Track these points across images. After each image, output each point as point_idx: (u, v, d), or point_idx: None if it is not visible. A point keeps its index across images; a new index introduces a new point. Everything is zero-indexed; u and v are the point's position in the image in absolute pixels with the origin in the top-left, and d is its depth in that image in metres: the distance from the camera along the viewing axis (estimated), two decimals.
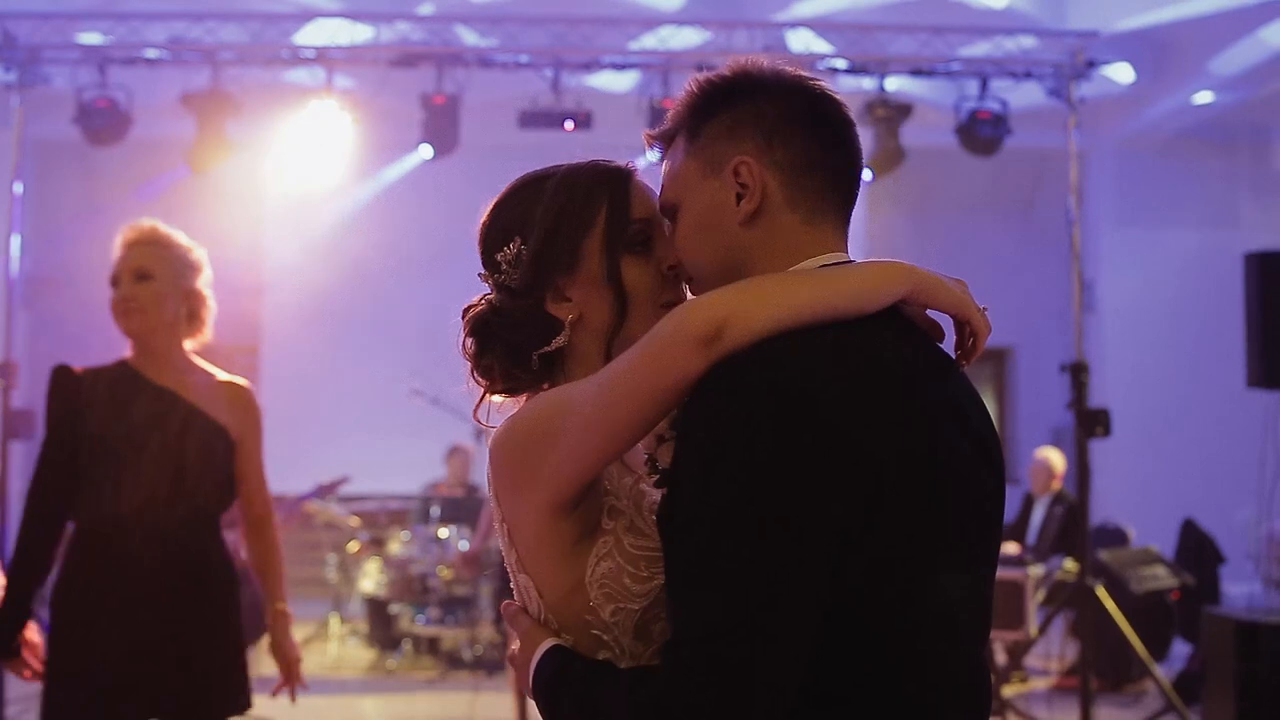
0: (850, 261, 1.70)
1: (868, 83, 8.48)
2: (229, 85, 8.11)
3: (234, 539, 7.14)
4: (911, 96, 9.36)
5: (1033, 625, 6.82)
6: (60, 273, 11.71)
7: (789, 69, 1.74)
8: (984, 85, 8.29)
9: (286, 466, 11.02)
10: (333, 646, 9.47)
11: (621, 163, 1.84)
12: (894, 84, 8.75)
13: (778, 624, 1.45)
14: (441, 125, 8.22)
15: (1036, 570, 7.23)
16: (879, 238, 12.96)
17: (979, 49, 9.08)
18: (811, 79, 1.73)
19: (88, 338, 11.49)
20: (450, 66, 8.22)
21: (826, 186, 1.70)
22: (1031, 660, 8.44)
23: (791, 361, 1.51)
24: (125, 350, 3.60)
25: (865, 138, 8.85)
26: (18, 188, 7.15)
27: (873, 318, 1.60)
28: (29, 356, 10.50)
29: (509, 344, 1.81)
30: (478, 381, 1.86)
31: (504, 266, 1.81)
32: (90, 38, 8.49)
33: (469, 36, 9.61)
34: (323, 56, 8.06)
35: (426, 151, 8.44)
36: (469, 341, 1.85)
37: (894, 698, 1.54)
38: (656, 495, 1.71)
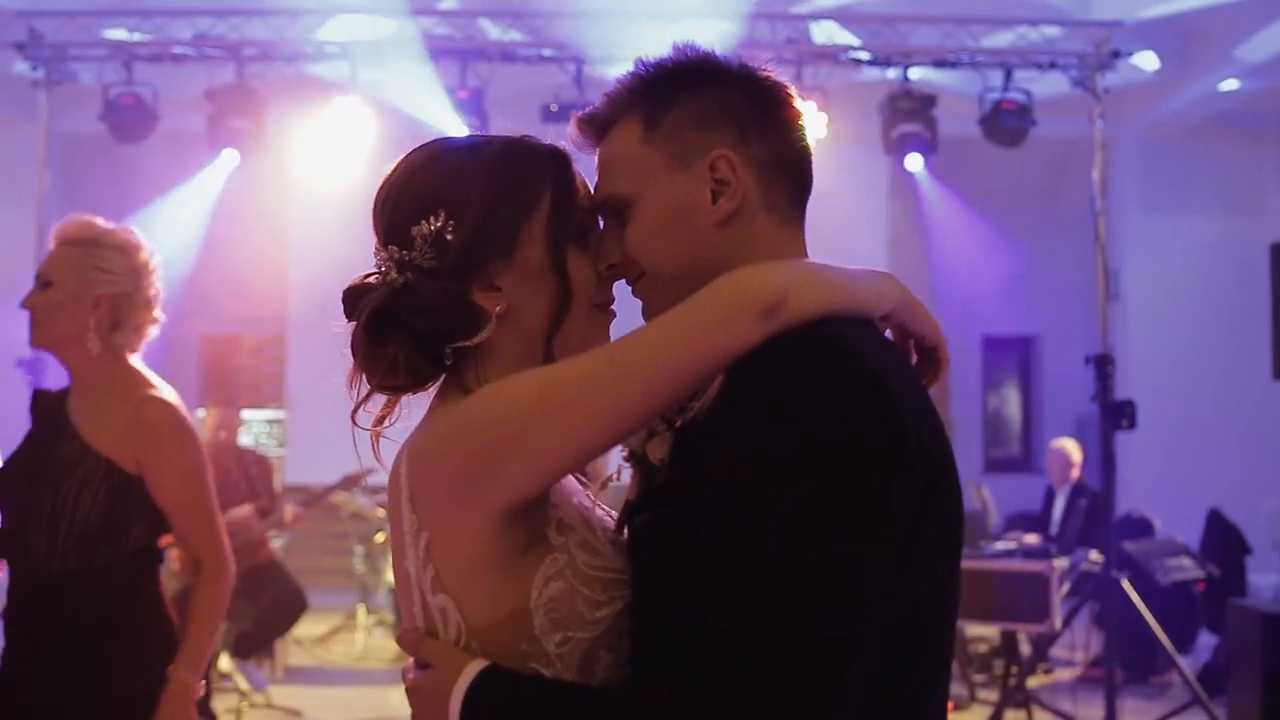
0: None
1: (891, 74, 8.47)
2: (253, 80, 8.15)
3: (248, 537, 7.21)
4: (935, 86, 9.33)
5: (1057, 617, 6.81)
6: None
7: (740, 58, 1.60)
8: (1008, 76, 8.26)
9: (313, 458, 11.13)
10: (360, 637, 9.52)
11: (558, 144, 1.63)
12: (917, 74, 8.72)
13: (862, 634, 1.34)
14: (468, 120, 8.24)
15: (1061, 563, 7.21)
16: (901, 227, 12.93)
17: (1003, 39, 9.05)
18: (768, 70, 1.60)
19: None
20: (473, 61, 8.24)
21: (794, 188, 1.60)
22: (1056, 651, 8.42)
23: (855, 342, 1.43)
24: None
25: (889, 128, 8.80)
26: (45, 182, 7.20)
27: (866, 321, 1.54)
28: None
29: (416, 333, 1.55)
30: (368, 373, 1.58)
31: (418, 242, 1.55)
32: (116, 34, 8.54)
33: (492, 30, 9.63)
34: (346, 51, 8.09)
35: (462, 129, 8.47)
36: (364, 328, 1.56)
37: (913, 703, 1.49)
38: (600, 511, 1.59)
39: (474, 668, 1.44)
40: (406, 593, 1.54)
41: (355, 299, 1.58)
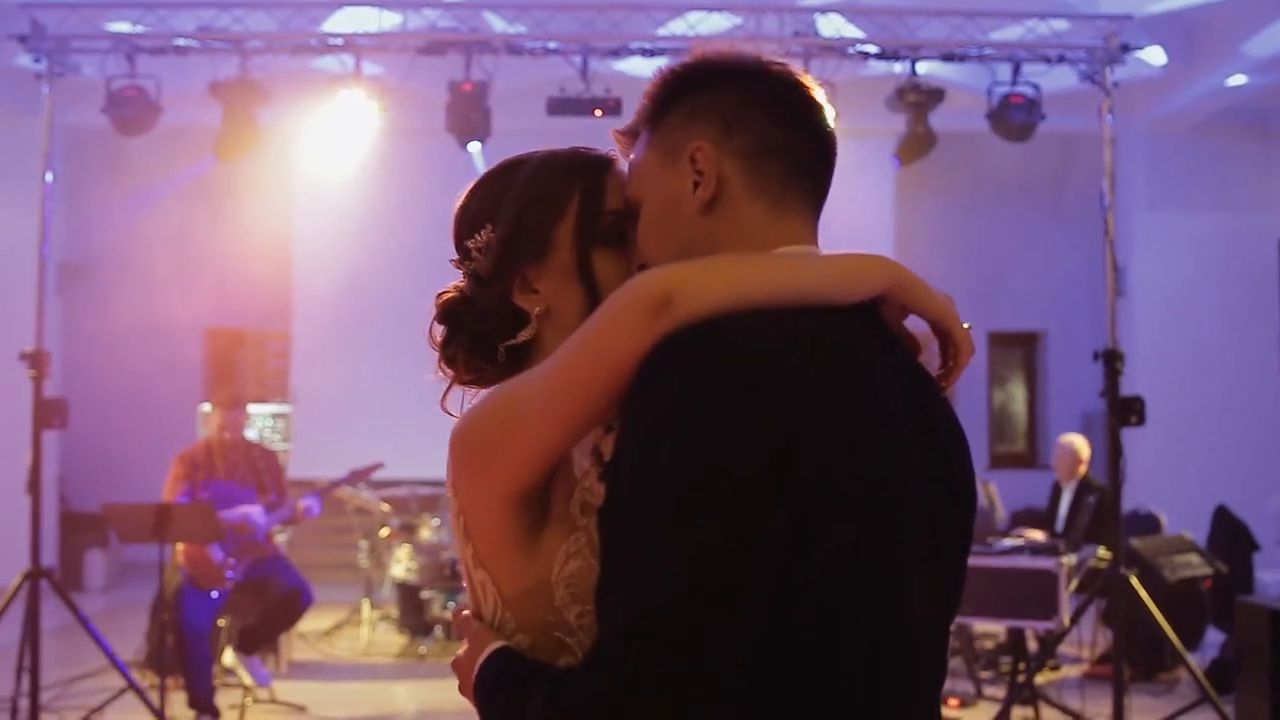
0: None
1: (899, 67, 8.42)
2: (257, 73, 8.11)
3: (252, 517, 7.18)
4: (943, 80, 9.28)
5: (1065, 614, 6.78)
6: (91, 260, 11.80)
7: (756, 53, 1.64)
8: (1016, 70, 8.22)
9: (318, 452, 11.12)
10: (364, 632, 9.51)
11: (603, 151, 1.75)
12: (925, 68, 8.68)
13: (720, 619, 1.33)
14: (471, 112, 8.21)
15: (1070, 559, 7.18)
16: (908, 223, 12.90)
17: (1011, 33, 9.00)
18: (777, 63, 1.63)
19: (118, 325, 11.59)
20: (478, 53, 8.20)
21: (790, 173, 1.60)
22: (1063, 647, 8.40)
23: (742, 336, 1.41)
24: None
25: (896, 123, 8.82)
26: (48, 176, 7.17)
27: (843, 310, 1.52)
28: (61, 344, 10.55)
29: (475, 334, 1.75)
30: (444, 370, 1.79)
31: (474, 254, 1.74)
32: (119, 26, 8.51)
33: (497, 23, 9.60)
34: (351, 44, 8.05)
35: (475, 148, 8.47)
36: (437, 329, 1.78)
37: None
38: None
39: (492, 647, 1.58)
40: (465, 570, 1.69)
41: (437, 304, 1.79)
